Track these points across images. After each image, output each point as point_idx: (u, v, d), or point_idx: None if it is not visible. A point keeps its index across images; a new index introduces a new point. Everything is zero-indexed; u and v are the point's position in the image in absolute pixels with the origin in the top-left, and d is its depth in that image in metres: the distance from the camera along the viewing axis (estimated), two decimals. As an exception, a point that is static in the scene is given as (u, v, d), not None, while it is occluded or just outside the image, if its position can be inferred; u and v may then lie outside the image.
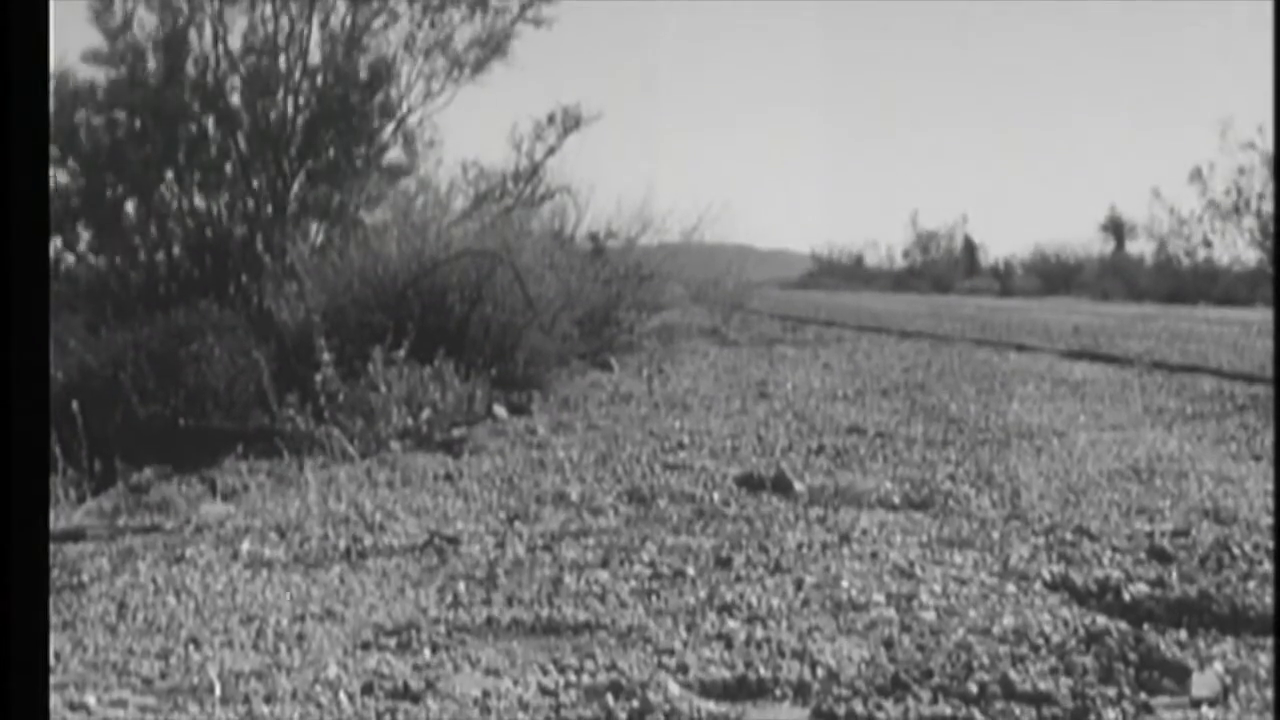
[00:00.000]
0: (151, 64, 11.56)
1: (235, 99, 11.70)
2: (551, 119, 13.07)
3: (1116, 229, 36.80)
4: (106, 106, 11.55)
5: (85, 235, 11.50)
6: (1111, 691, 2.36)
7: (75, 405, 5.32)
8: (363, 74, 11.82)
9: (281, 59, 11.62)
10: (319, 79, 11.70)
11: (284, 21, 11.59)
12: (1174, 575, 3.17)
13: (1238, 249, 30.32)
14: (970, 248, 42.97)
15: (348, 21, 11.75)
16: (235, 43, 11.66)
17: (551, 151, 13.06)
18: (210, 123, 11.71)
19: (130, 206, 11.66)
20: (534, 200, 12.81)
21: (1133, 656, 2.53)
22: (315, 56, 11.74)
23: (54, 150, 11.18)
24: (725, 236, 16.57)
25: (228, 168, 11.71)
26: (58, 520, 4.22)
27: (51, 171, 11.35)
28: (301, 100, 11.70)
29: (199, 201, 11.64)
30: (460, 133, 17.39)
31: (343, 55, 11.73)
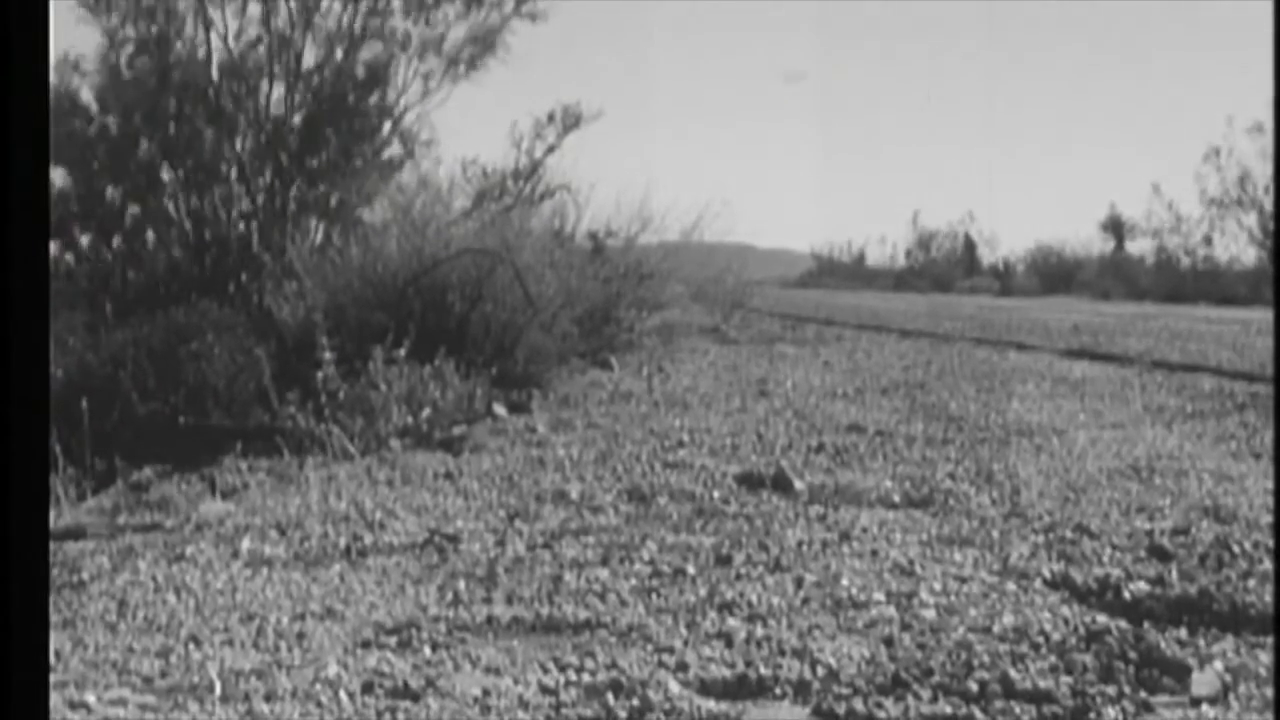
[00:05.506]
0: (145, 64, 11.55)
1: (228, 98, 11.70)
2: (551, 117, 13.08)
3: (1116, 228, 36.74)
4: (102, 107, 11.55)
5: (84, 238, 11.51)
6: (1111, 690, 2.36)
7: (74, 404, 5.32)
8: (360, 73, 11.82)
9: (276, 59, 11.62)
10: (315, 79, 11.70)
11: (276, 21, 11.58)
12: (1174, 573, 3.17)
13: (1238, 248, 30.28)
14: (970, 247, 42.89)
15: (343, 21, 11.75)
16: (229, 42, 11.66)
17: (551, 150, 13.06)
18: (205, 122, 11.70)
19: (129, 207, 11.67)
20: (534, 199, 12.81)
21: (1133, 655, 2.53)
22: (310, 57, 11.75)
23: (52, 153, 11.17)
24: (725, 235, 16.54)
25: (224, 167, 11.70)
26: (58, 518, 4.22)
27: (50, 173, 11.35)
28: (298, 99, 11.70)
29: (197, 201, 11.64)
30: (460, 131, 17.34)
31: (341, 55, 11.73)
